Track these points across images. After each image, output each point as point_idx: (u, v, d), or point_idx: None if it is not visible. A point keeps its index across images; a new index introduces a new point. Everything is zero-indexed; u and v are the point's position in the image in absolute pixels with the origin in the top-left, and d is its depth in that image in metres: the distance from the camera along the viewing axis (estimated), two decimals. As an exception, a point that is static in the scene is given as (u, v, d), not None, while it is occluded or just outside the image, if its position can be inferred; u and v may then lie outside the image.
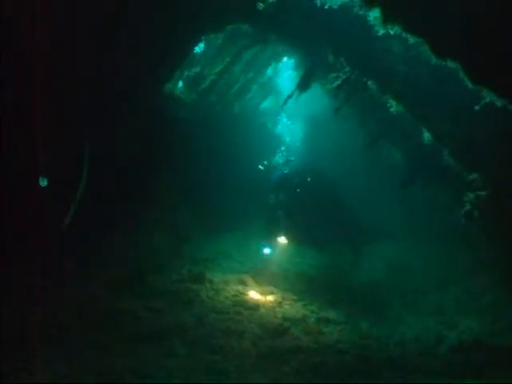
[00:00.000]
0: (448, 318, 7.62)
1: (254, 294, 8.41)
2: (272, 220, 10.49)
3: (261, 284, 9.20)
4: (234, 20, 9.63)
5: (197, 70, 12.60)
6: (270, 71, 14.98)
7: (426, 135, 7.10)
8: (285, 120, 14.95)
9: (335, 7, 6.13)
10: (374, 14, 4.69)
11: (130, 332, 6.01)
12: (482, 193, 6.04)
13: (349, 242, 11.14)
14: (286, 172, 10.87)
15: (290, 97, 10.10)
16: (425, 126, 7.01)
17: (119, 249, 8.48)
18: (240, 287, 8.72)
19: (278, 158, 11.18)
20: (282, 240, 10.53)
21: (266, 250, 10.39)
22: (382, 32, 4.98)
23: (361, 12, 5.41)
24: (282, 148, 11.96)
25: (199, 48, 12.96)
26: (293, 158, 11.30)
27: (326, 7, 6.16)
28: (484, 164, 6.13)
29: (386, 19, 4.40)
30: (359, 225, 11.08)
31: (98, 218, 8.20)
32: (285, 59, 13.83)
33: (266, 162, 11.13)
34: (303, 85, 8.82)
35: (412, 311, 8.23)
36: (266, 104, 17.39)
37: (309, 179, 10.90)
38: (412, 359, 6.00)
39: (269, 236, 10.59)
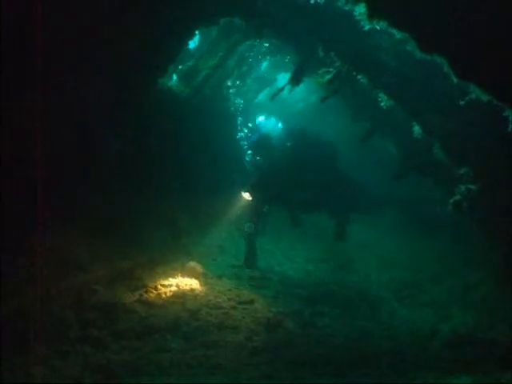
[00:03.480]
0: (442, 312, 7.64)
1: (247, 288, 8.44)
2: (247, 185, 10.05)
3: (254, 278, 9.24)
4: (227, 13, 9.61)
5: (191, 63, 12.61)
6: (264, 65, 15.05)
7: (417, 129, 7.11)
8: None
9: (321, 2, 6.13)
10: (360, 10, 4.68)
11: (124, 326, 6.03)
12: (473, 186, 6.06)
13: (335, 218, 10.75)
14: (264, 134, 10.25)
15: (281, 90, 10.09)
16: (415, 120, 7.02)
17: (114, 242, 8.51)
18: (234, 281, 8.76)
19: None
20: (247, 196, 10.12)
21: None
22: (367, 27, 4.97)
23: (346, 7, 5.38)
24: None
25: (194, 42, 12.98)
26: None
27: (312, 2, 6.15)
28: (473, 158, 6.15)
29: (372, 14, 4.39)
30: (351, 203, 10.54)
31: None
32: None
33: (250, 125, 10.57)
34: (295, 79, 8.81)
35: (406, 305, 8.27)
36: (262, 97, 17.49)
37: (288, 144, 10.11)
38: (406, 353, 6.00)
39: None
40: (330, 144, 10.49)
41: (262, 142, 10.10)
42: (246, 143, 10.32)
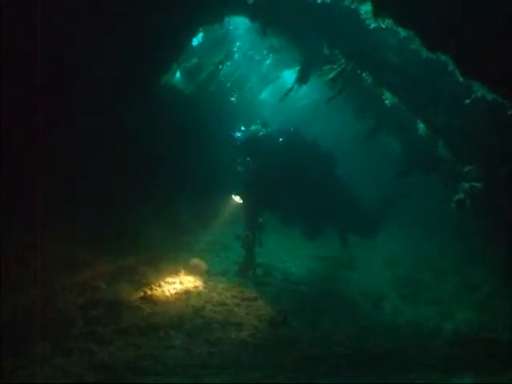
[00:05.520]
0: (445, 310, 7.64)
1: (250, 285, 8.45)
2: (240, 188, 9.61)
3: (258, 275, 9.24)
4: (231, 11, 9.60)
5: (194, 61, 12.60)
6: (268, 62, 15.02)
7: (421, 127, 7.09)
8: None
9: (327, 1, 6.12)
10: (366, 8, 4.67)
11: (128, 323, 6.04)
12: (477, 184, 6.05)
13: (335, 226, 10.50)
14: (256, 133, 9.56)
15: (290, 90, 10.06)
16: (419, 117, 7.01)
17: (117, 239, 8.53)
18: (237, 278, 8.77)
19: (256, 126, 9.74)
20: (237, 199, 9.83)
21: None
22: (373, 25, 4.97)
23: (353, 6, 5.36)
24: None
25: (197, 39, 12.96)
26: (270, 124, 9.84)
27: (319, 0, 6.15)
28: (478, 156, 6.14)
29: (378, 13, 4.38)
30: (350, 206, 10.14)
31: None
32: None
33: (243, 128, 10.04)
34: (302, 77, 8.80)
35: (409, 303, 8.26)
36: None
37: (281, 139, 9.52)
38: (409, 352, 6.00)
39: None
40: (328, 150, 10.04)
41: (250, 143, 9.56)
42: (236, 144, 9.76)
